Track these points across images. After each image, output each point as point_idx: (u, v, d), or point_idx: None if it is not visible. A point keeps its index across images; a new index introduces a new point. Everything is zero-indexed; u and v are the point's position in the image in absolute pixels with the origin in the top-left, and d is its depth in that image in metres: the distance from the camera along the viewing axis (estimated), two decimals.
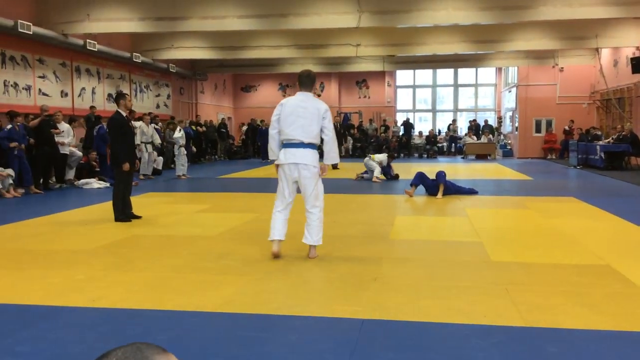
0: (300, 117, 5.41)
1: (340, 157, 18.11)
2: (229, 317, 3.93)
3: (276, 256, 5.57)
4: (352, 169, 16.83)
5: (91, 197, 11.09)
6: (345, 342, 3.43)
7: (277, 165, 5.60)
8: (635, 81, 17.68)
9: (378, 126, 26.77)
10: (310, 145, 5.47)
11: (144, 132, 14.73)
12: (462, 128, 27.12)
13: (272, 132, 5.63)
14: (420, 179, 10.79)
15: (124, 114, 8.09)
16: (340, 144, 18.93)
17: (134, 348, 1.01)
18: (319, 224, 5.61)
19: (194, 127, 20.28)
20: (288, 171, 5.49)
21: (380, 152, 15.94)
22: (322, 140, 5.61)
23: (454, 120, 26.87)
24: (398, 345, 3.39)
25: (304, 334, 3.64)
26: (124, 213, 8.00)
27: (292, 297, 4.43)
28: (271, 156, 5.76)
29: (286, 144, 5.50)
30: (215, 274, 5.09)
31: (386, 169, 13.83)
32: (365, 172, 13.97)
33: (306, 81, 5.59)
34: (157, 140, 15.42)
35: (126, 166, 7.92)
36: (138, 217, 8.12)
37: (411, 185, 10.79)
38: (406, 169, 14.91)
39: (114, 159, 8.17)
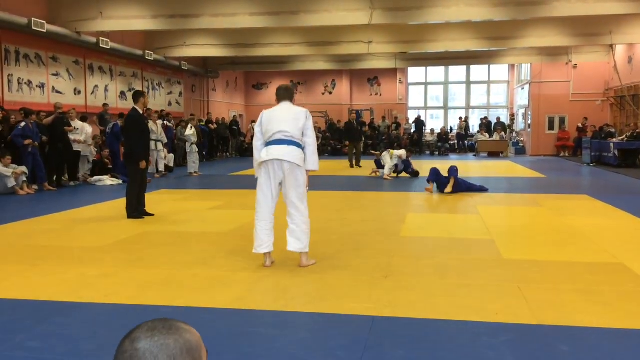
0: (284, 114, 5.15)
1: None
2: (240, 313, 3.94)
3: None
4: (365, 167, 16.85)
5: (104, 194, 11.16)
6: (356, 339, 3.43)
7: (260, 165, 5.15)
8: None
9: (390, 123, 26.73)
10: (295, 143, 5.08)
11: (153, 130, 14.83)
12: (475, 125, 27.02)
13: (257, 143, 5.26)
14: (436, 175, 10.75)
15: (141, 112, 8.11)
16: (358, 141, 18.59)
17: (160, 319, 1.14)
18: (306, 229, 5.17)
19: (202, 124, 20.45)
20: (272, 169, 5.08)
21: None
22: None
23: (461, 117, 26.87)
24: (409, 343, 3.38)
25: (315, 331, 3.64)
26: (137, 210, 8.03)
27: (302, 294, 4.44)
28: (256, 171, 5.25)
29: (269, 142, 5.10)
30: (226, 271, 5.11)
31: (407, 163, 13.74)
32: (382, 167, 13.87)
33: (284, 94, 5.31)
34: (164, 140, 15.49)
35: (143, 164, 7.94)
36: (151, 215, 8.15)
37: (428, 181, 10.76)
38: (418, 167, 14.82)
39: (129, 156, 8.09)
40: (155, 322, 1.12)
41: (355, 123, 19.18)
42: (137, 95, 8.11)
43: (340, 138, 25.94)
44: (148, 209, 8.23)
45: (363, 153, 20.66)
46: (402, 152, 13.78)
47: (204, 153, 20.34)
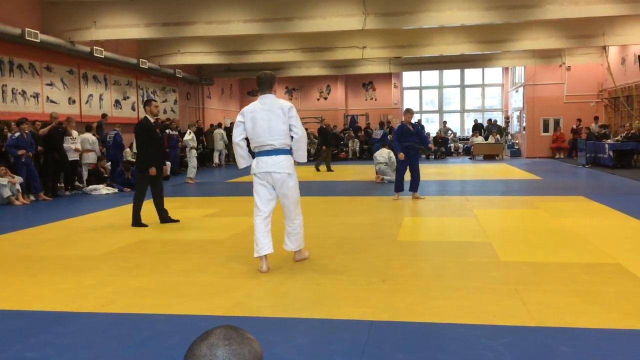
0: (265, 120, 5.18)
1: (347, 159, 18.16)
2: (238, 320, 3.93)
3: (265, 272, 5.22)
4: (358, 172, 16.84)
5: (99, 203, 11.13)
6: (354, 344, 3.42)
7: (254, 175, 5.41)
8: None
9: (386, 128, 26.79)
10: (283, 151, 5.25)
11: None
12: (469, 129, 27.13)
13: (236, 139, 5.38)
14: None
15: (152, 120, 8.16)
16: (332, 146, 18.74)
17: (230, 327, 1.22)
18: (301, 230, 5.54)
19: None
20: (264, 177, 5.31)
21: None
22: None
23: (445, 122, 27.11)
24: (408, 346, 3.38)
25: (313, 336, 3.63)
26: (137, 220, 8.06)
27: (300, 300, 4.43)
28: (242, 164, 5.52)
29: (258, 153, 5.30)
30: (223, 278, 5.09)
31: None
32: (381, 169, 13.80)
33: (264, 83, 5.33)
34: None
35: (152, 171, 7.98)
36: (176, 221, 8.25)
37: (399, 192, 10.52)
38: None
39: (139, 164, 8.20)
40: (229, 331, 1.20)
41: (326, 128, 19.20)
42: (145, 104, 8.31)
43: (337, 144, 26.02)
44: (144, 216, 8.20)
45: (359, 158, 20.65)
46: (381, 151, 13.84)
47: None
